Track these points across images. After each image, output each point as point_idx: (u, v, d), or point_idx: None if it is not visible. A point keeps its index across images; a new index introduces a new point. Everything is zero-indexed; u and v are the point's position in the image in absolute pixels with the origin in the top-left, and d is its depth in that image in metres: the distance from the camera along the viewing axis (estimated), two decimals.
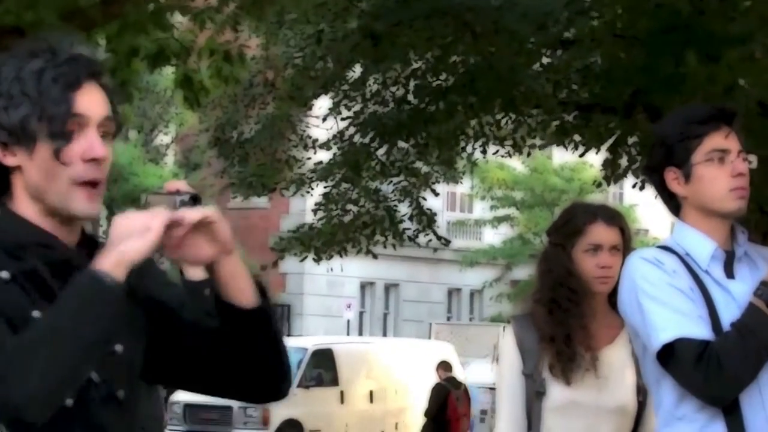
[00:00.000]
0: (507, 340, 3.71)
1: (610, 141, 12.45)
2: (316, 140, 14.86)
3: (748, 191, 3.00)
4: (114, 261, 2.07)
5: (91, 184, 2.17)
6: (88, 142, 2.16)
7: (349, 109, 13.44)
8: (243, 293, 2.30)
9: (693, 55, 9.47)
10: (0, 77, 2.17)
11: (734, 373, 2.85)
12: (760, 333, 2.86)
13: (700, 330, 2.88)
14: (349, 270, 26.97)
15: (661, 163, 3.07)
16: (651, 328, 2.92)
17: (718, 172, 2.98)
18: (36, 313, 2.11)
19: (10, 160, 2.17)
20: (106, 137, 2.20)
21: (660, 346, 2.90)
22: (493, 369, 17.99)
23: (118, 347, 2.20)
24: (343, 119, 13.70)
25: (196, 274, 3.26)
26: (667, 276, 2.95)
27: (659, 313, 2.91)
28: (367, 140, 13.27)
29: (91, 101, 2.18)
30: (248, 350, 2.27)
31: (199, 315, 3.06)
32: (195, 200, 3.32)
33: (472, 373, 20.35)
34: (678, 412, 2.94)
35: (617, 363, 3.66)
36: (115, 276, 2.06)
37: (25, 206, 2.19)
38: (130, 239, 2.09)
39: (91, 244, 2.25)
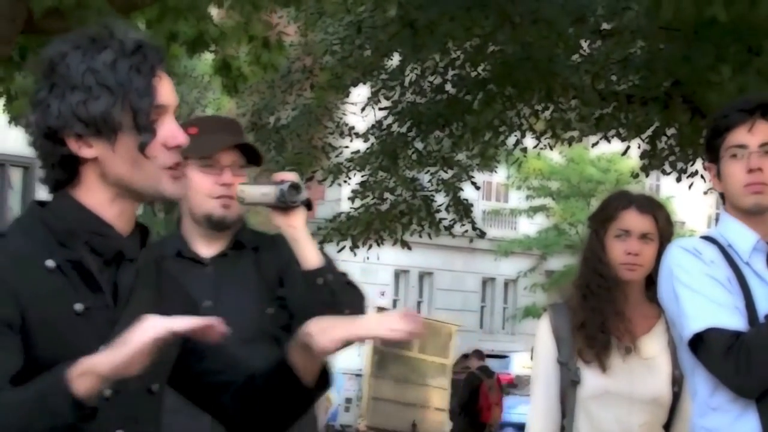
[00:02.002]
0: (543, 328, 3.72)
1: (649, 132, 12.41)
2: (353, 128, 14.88)
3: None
4: (81, 370, 1.99)
5: (173, 168, 2.18)
6: (170, 130, 2.17)
7: (387, 98, 13.44)
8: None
9: (727, 68, 9.45)
10: (69, 69, 2.14)
11: (763, 365, 2.85)
12: None
13: (733, 320, 2.89)
14: (384, 258, 27.00)
15: (707, 159, 3.14)
16: (684, 317, 2.94)
17: (735, 168, 3.02)
18: (78, 306, 2.12)
19: (86, 152, 2.15)
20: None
21: (691, 335, 2.92)
22: None
23: None
24: (381, 109, 13.71)
25: (311, 262, 3.28)
26: (705, 266, 2.96)
27: (693, 302, 2.93)
28: (404, 130, 13.27)
29: (167, 89, 2.18)
30: None
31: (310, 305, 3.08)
32: (296, 189, 3.34)
33: (338, 359, 20.39)
34: (712, 402, 2.96)
35: (653, 353, 3.66)
36: (76, 387, 1.98)
37: (93, 194, 2.18)
38: (111, 350, 2.01)
39: (143, 233, 2.25)
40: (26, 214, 2.21)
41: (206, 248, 3.46)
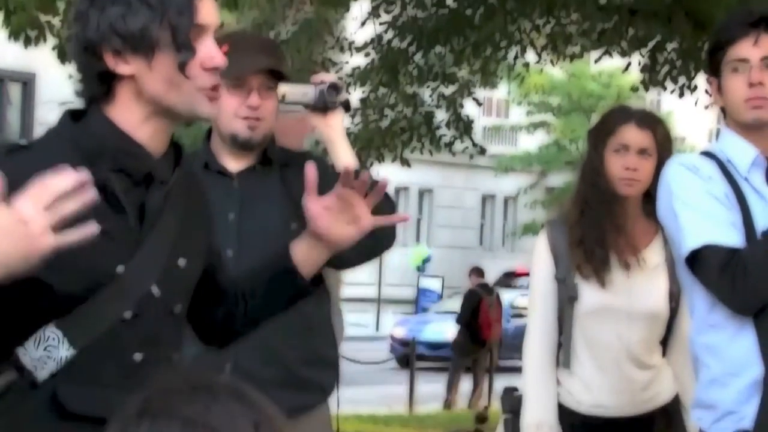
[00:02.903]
0: (540, 245, 3.72)
1: (650, 46, 12.33)
2: (353, 43, 14.79)
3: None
4: None
5: (210, 89, 2.16)
6: (209, 51, 2.15)
7: (388, 12, 13.33)
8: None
9: None
10: None
11: (759, 281, 2.85)
12: None
13: (729, 237, 2.88)
14: (384, 175, 26.98)
15: (708, 72, 3.12)
16: (681, 234, 2.94)
17: (736, 81, 3.00)
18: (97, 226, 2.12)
19: (123, 68, 2.14)
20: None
21: (688, 252, 2.92)
22: None
23: (182, 262, 2.22)
24: (381, 24, 13.61)
25: (347, 163, 3.27)
26: (702, 182, 2.95)
27: (690, 219, 2.93)
28: (404, 45, 13.18)
29: (208, 9, 2.15)
30: None
31: None
32: (336, 90, 3.37)
33: None
34: (710, 319, 2.96)
35: (650, 268, 3.66)
36: None
37: (126, 111, 2.16)
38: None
39: (177, 152, 2.24)
40: (57, 126, 2.19)
41: (234, 162, 3.46)
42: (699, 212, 2.93)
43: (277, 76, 3.44)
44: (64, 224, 1.92)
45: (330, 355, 3.48)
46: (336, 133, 3.34)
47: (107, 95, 2.16)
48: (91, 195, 1.93)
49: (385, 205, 3.33)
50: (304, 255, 2.35)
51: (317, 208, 2.30)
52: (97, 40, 2.12)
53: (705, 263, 2.90)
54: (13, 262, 1.91)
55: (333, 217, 2.32)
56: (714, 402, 2.93)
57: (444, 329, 21.32)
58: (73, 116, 2.19)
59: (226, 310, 2.40)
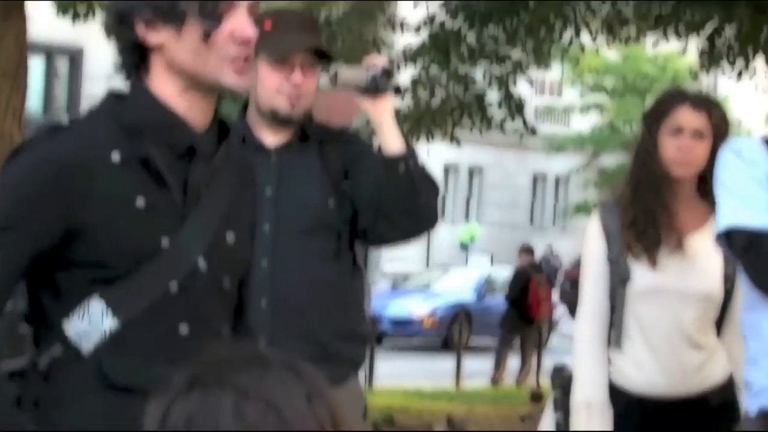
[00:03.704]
0: (593, 226, 3.70)
1: (708, 30, 12.19)
2: (404, 22, 14.73)
3: None
4: None
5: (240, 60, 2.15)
6: (240, 23, 2.15)
7: None
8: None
9: None
10: None
11: (764, 263, 2.86)
12: None
13: (756, 218, 2.89)
14: (434, 153, 27.01)
15: None
16: (718, 216, 2.97)
17: None
18: (140, 201, 2.11)
19: (153, 38, 2.15)
20: (253, 16, 2.18)
21: (717, 234, 2.96)
22: None
23: (230, 236, 2.21)
24: (434, 1, 13.54)
25: (393, 148, 3.28)
26: (743, 164, 2.95)
27: (725, 202, 2.95)
28: (457, 26, 13.11)
29: None
30: None
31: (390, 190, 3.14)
32: (387, 74, 3.38)
33: None
34: (751, 298, 2.98)
35: (704, 249, 3.62)
36: None
37: (162, 83, 2.17)
38: None
39: (222, 128, 2.24)
40: (100, 105, 2.20)
41: (271, 137, 3.46)
42: (733, 194, 2.95)
43: (319, 54, 3.43)
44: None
45: (361, 329, 3.51)
46: (385, 117, 3.33)
47: (144, 68, 2.17)
48: None
49: (428, 187, 3.33)
50: None
51: None
52: (129, 10, 2.14)
53: (731, 245, 2.94)
54: None
55: None
56: (751, 380, 2.95)
57: (410, 306, 21.43)
58: (116, 96, 2.20)
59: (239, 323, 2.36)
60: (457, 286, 22.87)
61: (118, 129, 2.13)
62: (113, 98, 2.19)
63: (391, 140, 3.32)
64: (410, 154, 3.31)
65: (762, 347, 2.93)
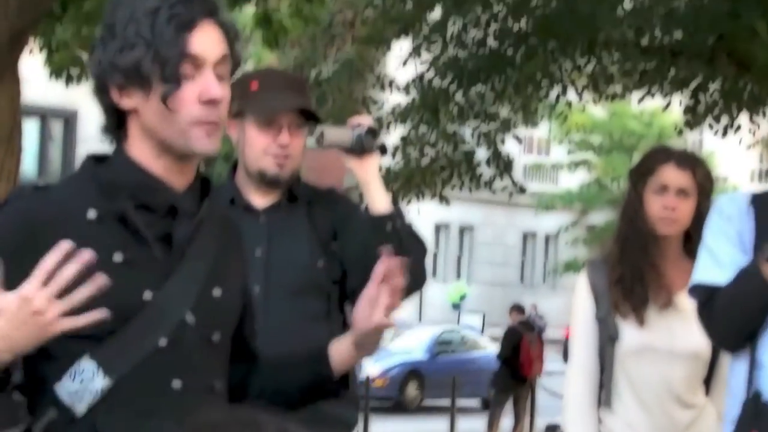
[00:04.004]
0: (581, 284, 3.71)
1: (692, 87, 12.30)
2: (393, 81, 14.83)
3: None
4: None
5: (208, 124, 2.14)
6: (204, 84, 2.13)
7: (429, 52, 13.37)
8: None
9: (763, 25, 9.35)
10: (115, 18, 2.13)
11: (721, 319, 2.96)
12: (743, 283, 2.92)
13: (717, 276, 2.96)
14: (424, 212, 27.06)
15: None
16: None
17: None
18: (118, 256, 2.11)
19: (126, 103, 2.16)
20: (223, 77, 2.16)
21: (688, 291, 3.05)
22: None
23: (216, 291, 2.21)
24: (422, 63, 13.65)
25: (380, 207, 3.30)
26: (721, 221, 3.01)
27: (700, 258, 3.04)
28: (445, 84, 13.21)
29: (207, 41, 2.14)
30: None
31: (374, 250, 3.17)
32: (373, 134, 3.38)
33: None
34: (728, 357, 3.09)
35: (692, 308, 3.64)
36: None
37: (139, 147, 2.17)
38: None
39: (204, 185, 2.23)
40: (79, 169, 2.21)
41: (259, 199, 3.46)
42: (706, 251, 3.03)
43: (306, 114, 3.45)
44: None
45: (353, 390, 3.50)
46: (371, 176, 3.33)
47: (123, 132, 2.19)
48: (101, 279, 1.99)
49: (416, 246, 3.34)
50: (342, 359, 2.37)
51: (366, 308, 2.29)
52: (102, 75, 2.15)
53: (695, 303, 3.03)
54: (24, 347, 2.02)
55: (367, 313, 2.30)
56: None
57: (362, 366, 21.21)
58: (96, 159, 2.21)
59: (243, 375, 2.36)
60: (410, 345, 22.45)
61: (96, 189, 2.14)
62: (92, 160, 2.20)
63: (377, 199, 3.31)
64: (397, 214, 3.31)
65: (733, 403, 2.98)
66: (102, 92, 2.17)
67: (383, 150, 3.37)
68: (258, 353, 2.42)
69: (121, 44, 2.12)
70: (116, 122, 2.18)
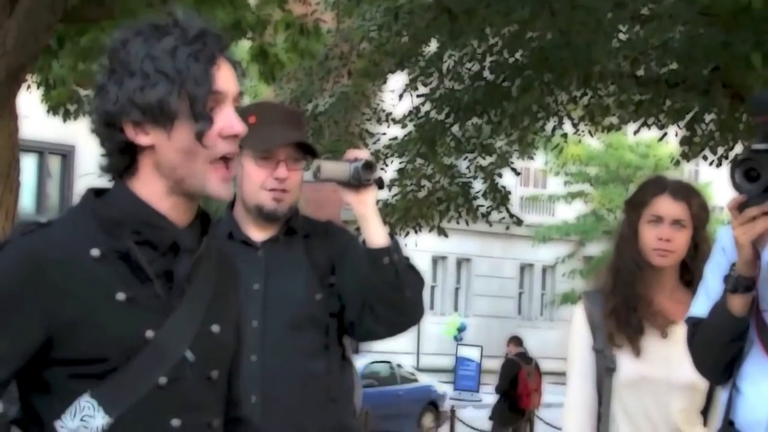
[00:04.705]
0: (577, 316, 3.71)
1: (688, 118, 12.34)
2: (390, 114, 14.88)
3: None
4: None
5: (225, 160, 2.15)
6: (227, 119, 2.14)
7: (425, 85, 13.42)
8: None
9: (758, 57, 9.40)
10: (129, 55, 2.13)
11: (698, 352, 3.03)
12: (714, 316, 2.97)
13: (702, 307, 3.01)
14: (421, 244, 27.07)
15: None
16: None
17: None
18: (120, 295, 2.11)
19: (143, 139, 2.14)
20: (236, 111, 2.18)
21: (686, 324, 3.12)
22: None
23: (215, 328, 2.21)
24: (418, 96, 13.70)
25: (377, 241, 3.31)
26: (717, 253, 3.04)
27: (698, 291, 3.09)
28: (442, 117, 13.25)
29: (227, 77, 2.16)
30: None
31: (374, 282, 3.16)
32: (370, 167, 3.39)
33: None
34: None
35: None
36: None
37: (149, 184, 2.17)
38: None
39: (204, 222, 2.24)
40: (79, 203, 2.20)
41: (257, 233, 3.47)
42: (704, 284, 3.08)
43: (303, 147, 3.46)
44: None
45: (350, 423, 3.48)
46: (368, 210, 3.33)
47: (130, 168, 2.18)
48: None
49: (413, 279, 3.34)
50: None
51: None
52: (117, 112, 2.13)
53: (686, 333, 3.09)
54: None
55: None
56: None
57: None
58: (95, 193, 2.21)
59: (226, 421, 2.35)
60: None
61: (97, 225, 2.14)
62: (92, 195, 2.20)
63: (374, 233, 3.31)
64: (394, 247, 3.30)
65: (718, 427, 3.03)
66: (113, 129, 2.15)
67: (380, 184, 3.37)
68: (240, 405, 2.40)
69: (141, 82, 2.11)
70: (126, 159, 2.17)
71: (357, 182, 3.32)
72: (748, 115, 11.86)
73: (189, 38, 2.13)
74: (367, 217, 3.33)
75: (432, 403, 21.42)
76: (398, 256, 3.30)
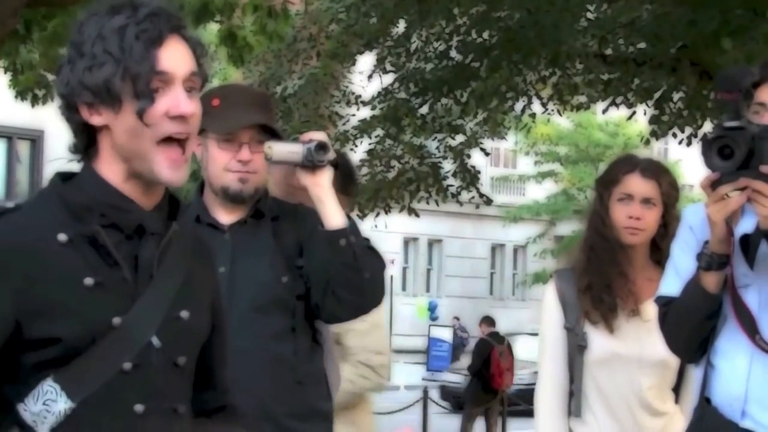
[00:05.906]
0: (548, 294, 3.73)
1: (656, 96, 12.38)
2: (359, 96, 14.86)
3: None
4: None
5: (177, 141, 2.14)
6: (174, 99, 2.13)
7: (393, 65, 13.41)
8: None
9: (727, 41, 9.43)
10: (83, 36, 2.13)
11: (671, 330, 3.01)
12: (687, 294, 2.97)
13: (675, 287, 3.00)
14: (392, 226, 27.09)
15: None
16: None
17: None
18: (88, 280, 2.11)
19: (96, 120, 2.15)
20: (193, 92, 2.17)
21: (654, 303, 3.09)
22: None
23: (184, 313, 2.20)
24: (386, 72, 13.68)
25: (334, 222, 3.29)
26: (685, 232, 3.04)
27: (666, 270, 3.08)
28: (408, 96, 13.25)
29: (175, 57, 2.14)
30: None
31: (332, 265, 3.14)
32: (323, 148, 3.37)
33: None
34: None
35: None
36: None
37: (108, 166, 2.17)
38: None
39: (172, 205, 2.23)
40: (47, 187, 2.20)
41: (225, 216, 3.46)
42: (671, 262, 3.07)
43: (268, 130, 3.44)
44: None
45: (324, 407, 3.47)
46: (324, 192, 3.30)
47: (93, 150, 2.18)
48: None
49: (372, 261, 3.33)
50: None
51: None
52: (70, 93, 2.15)
53: (657, 313, 3.07)
54: None
55: None
56: None
57: None
58: (63, 177, 2.20)
59: (203, 402, 2.34)
60: None
61: (65, 210, 2.14)
62: (59, 179, 2.19)
63: (331, 214, 3.28)
64: (351, 228, 3.28)
65: (690, 409, 3.05)
66: (71, 111, 2.16)
67: (335, 164, 3.35)
68: (228, 393, 2.40)
69: (89, 62, 2.12)
70: (86, 140, 2.17)
71: (310, 164, 3.29)
72: (716, 93, 11.89)
73: (139, 17, 2.13)
74: (323, 198, 3.30)
75: None
76: (356, 238, 3.27)
